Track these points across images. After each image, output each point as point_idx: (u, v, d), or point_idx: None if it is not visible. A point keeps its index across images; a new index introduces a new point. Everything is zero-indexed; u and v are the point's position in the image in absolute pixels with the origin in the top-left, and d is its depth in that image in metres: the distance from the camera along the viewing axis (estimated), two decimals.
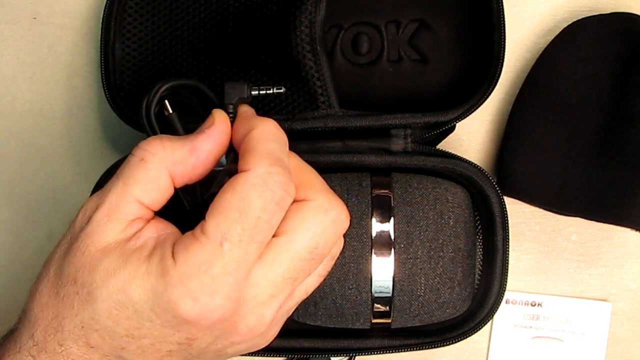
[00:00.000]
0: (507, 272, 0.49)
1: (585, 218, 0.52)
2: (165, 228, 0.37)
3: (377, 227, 0.46)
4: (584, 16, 0.53)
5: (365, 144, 0.50)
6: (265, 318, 0.37)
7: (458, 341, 0.49)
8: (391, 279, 0.46)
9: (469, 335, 0.50)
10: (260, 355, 0.49)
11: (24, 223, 0.56)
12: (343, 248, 0.45)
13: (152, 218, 0.38)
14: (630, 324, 0.56)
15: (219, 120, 0.38)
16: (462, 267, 0.47)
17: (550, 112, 0.53)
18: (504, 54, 0.49)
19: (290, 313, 0.41)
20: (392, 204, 0.46)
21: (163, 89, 0.41)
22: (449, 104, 0.49)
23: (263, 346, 0.40)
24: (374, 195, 0.47)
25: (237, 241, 0.34)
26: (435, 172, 0.49)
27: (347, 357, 0.53)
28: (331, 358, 0.53)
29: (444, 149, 0.50)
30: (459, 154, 0.50)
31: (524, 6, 0.56)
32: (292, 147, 0.49)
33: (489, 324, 0.53)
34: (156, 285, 0.34)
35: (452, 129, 0.51)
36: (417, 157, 0.49)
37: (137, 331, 0.35)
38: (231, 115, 0.40)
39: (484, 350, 0.56)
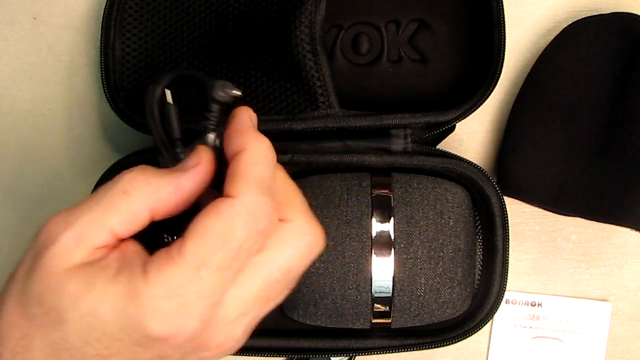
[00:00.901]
0: (507, 272, 0.49)
1: (585, 218, 0.52)
2: (128, 245, 0.36)
3: (377, 227, 0.46)
4: (584, 16, 0.53)
5: (365, 144, 0.50)
6: (235, 335, 0.36)
7: (458, 341, 0.49)
8: (391, 279, 0.46)
9: (469, 335, 0.50)
10: (261, 355, 0.49)
11: (24, 223, 0.56)
12: (343, 248, 0.45)
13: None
14: (630, 324, 0.56)
15: (205, 160, 0.37)
16: (462, 267, 0.47)
17: (550, 112, 0.53)
18: (504, 54, 0.49)
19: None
20: (392, 204, 0.46)
21: (171, 76, 0.40)
22: (449, 104, 0.49)
23: (232, 352, 0.39)
24: (374, 195, 0.47)
25: (215, 268, 0.33)
26: (435, 172, 0.49)
27: (347, 357, 0.53)
28: (331, 358, 0.53)
29: (444, 149, 0.50)
30: (459, 154, 0.50)
31: (524, 6, 0.56)
32: (292, 148, 0.49)
33: (489, 324, 0.53)
34: (125, 308, 0.33)
35: (452, 129, 0.51)
36: (417, 157, 0.49)
37: (107, 350, 0.34)
38: (213, 119, 0.40)
39: (484, 350, 0.56)
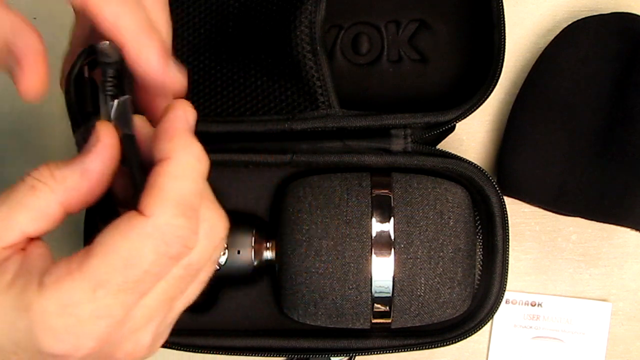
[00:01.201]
0: (507, 272, 0.49)
1: (585, 218, 0.52)
2: (34, 247, 0.34)
3: (377, 227, 0.46)
4: (584, 16, 0.53)
5: (365, 144, 0.50)
6: (144, 342, 0.34)
7: (458, 341, 0.49)
8: (391, 279, 0.45)
9: (469, 335, 0.50)
10: (260, 355, 0.49)
11: None
12: (343, 248, 0.45)
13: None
14: (630, 324, 0.56)
15: (104, 134, 0.34)
16: (462, 267, 0.47)
17: (550, 112, 0.53)
18: (504, 54, 0.49)
19: (174, 322, 0.37)
20: (392, 204, 0.46)
21: (84, 52, 0.38)
22: (449, 104, 0.49)
23: (150, 356, 0.36)
24: (374, 195, 0.47)
25: (114, 290, 0.30)
26: (435, 172, 0.49)
27: (347, 357, 0.53)
28: (331, 358, 0.53)
29: (444, 149, 0.50)
30: (459, 154, 0.50)
31: (524, 6, 0.56)
32: (292, 148, 0.49)
33: (489, 324, 0.53)
34: (16, 321, 0.31)
35: (452, 129, 0.51)
36: (417, 157, 0.49)
37: None
38: (108, 85, 0.36)
39: (484, 350, 0.56)
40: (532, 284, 0.56)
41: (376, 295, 0.46)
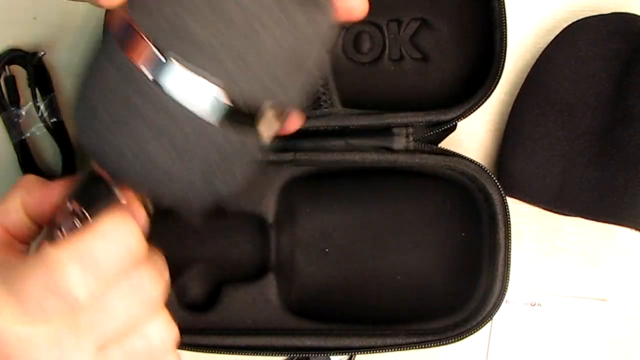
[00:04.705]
0: (509, 271, 0.49)
1: (585, 218, 0.52)
2: None
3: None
4: (584, 16, 0.53)
5: (367, 142, 0.50)
6: None
7: (458, 340, 0.49)
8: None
9: (469, 335, 0.50)
10: (262, 354, 0.49)
11: None
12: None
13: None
14: (630, 324, 0.56)
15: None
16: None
17: (550, 112, 0.53)
18: (505, 53, 0.49)
19: None
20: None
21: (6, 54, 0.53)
22: (451, 103, 0.49)
23: None
24: None
25: None
26: (436, 170, 0.49)
27: (347, 356, 0.53)
28: (331, 357, 0.53)
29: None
30: None
31: (524, 6, 0.56)
32: (295, 146, 0.49)
33: (489, 324, 0.53)
34: None
35: (454, 128, 0.51)
36: (418, 155, 0.49)
37: None
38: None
39: (484, 350, 0.56)
40: (532, 284, 0.56)
41: None
